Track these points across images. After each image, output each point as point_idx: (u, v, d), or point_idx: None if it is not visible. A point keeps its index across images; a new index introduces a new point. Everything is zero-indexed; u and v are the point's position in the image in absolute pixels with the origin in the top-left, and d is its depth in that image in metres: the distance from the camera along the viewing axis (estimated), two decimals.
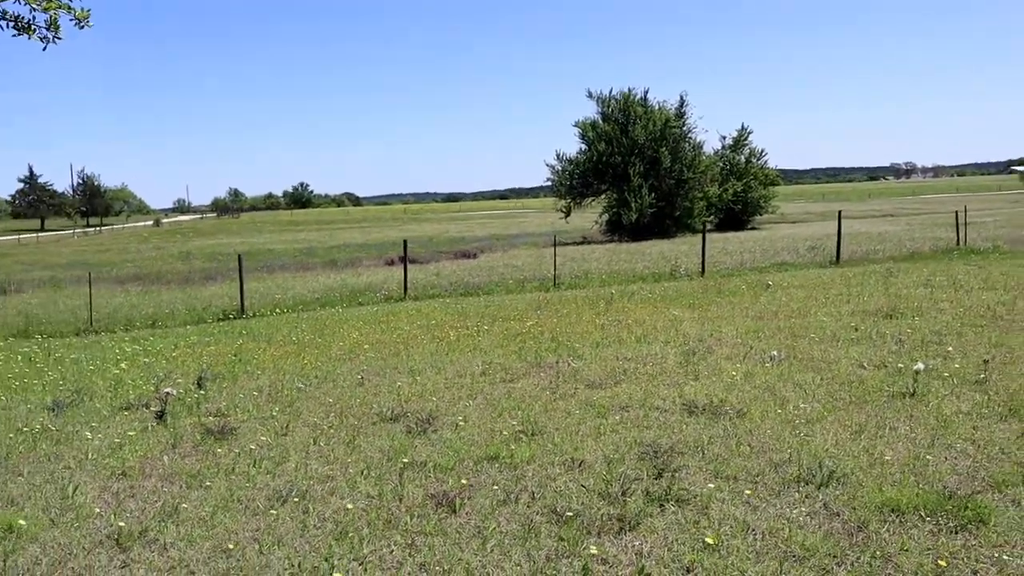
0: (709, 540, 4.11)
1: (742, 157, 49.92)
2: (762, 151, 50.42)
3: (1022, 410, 6.12)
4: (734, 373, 7.90)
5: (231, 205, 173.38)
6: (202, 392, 8.29)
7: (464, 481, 5.23)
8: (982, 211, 51.14)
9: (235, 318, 16.14)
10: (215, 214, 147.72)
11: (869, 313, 11.26)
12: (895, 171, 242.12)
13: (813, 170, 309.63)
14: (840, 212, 21.62)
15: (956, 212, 22.64)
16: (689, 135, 43.66)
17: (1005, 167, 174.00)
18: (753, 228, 45.50)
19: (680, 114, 43.42)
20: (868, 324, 10.33)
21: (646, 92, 43.04)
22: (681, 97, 43.71)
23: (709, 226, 44.24)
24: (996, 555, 3.86)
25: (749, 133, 50.05)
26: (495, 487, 5.11)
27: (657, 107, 42.83)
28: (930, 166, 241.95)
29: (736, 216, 47.00)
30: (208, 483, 5.44)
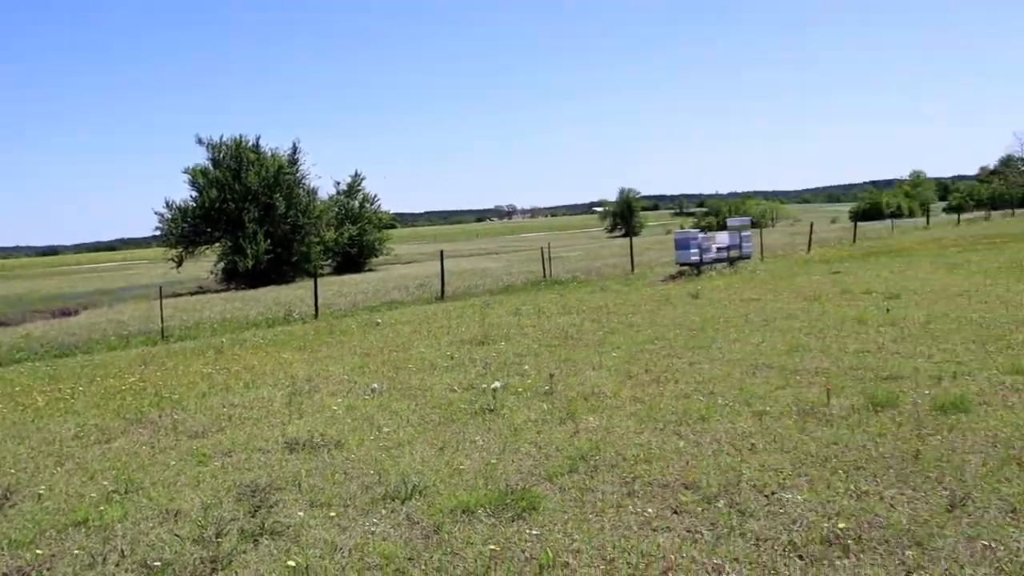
0: (293, 563, 4.32)
1: (356, 202, 51.43)
2: (375, 196, 52.35)
3: (577, 413, 7.17)
4: (336, 408, 8.22)
5: None
6: None
7: (43, 552, 4.89)
8: (569, 246, 57.83)
9: None
10: None
11: (465, 342, 12.29)
12: (499, 212, 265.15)
13: (427, 213, 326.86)
14: (442, 252, 23.26)
15: (541, 248, 25.40)
16: (303, 181, 43.99)
17: (588, 208, 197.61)
18: (370, 270, 46.91)
19: (293, 160, 43.63)
20: (463, 352, 11.28)
21: (258, 139, 42.70)
22: (294, 144, 44.12)
23: (327, 269, 44.94)
24: (539, 533, 4.55)
25: (362, 179, 51.83)
26: (79, 552, 4.85)
27: (270, 154, 42.59)
28: (528, 208, 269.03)
29: (353, 259, 48.18)
30: None
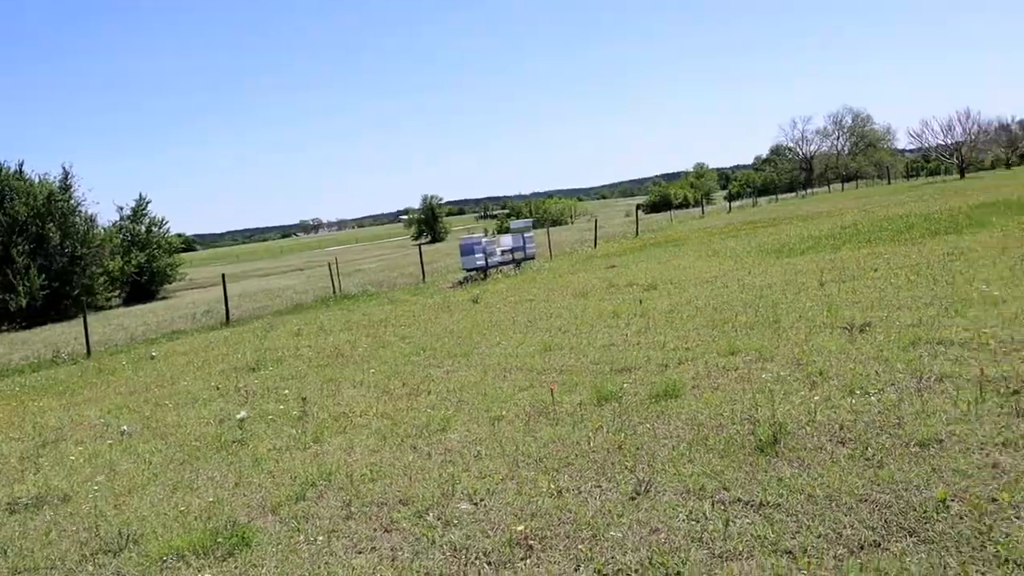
0: None
1: (143, 227, 48.76)
2: (163, 219, 49.84)
3: (323, 436, 7.16)
4: (75, 457, 7.77)
5: None
6: None
7: None
8: (373, 257, 57.47)
9: None
10: None
11: (237, 369, 11.96)
12: (304, 227, 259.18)
13: (231, 232, 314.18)
14: (224, 275, 22.45)
15: (329, 264, 25.07)
16: (79, 208, 41.01)
17: (396, 216, 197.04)
18: (164, 297, 44.57)
19: (66, 187, 40.61)
20: (230, 381, 10.96)
21: (20, 164, 39.35)
22: (64, 169, 41.00)
23: (116, 301, 42.25)
24: (244, 570, 4.52)
25: (147, 203, 49.21)
26: None
27: (38, 180, 39.45)
28: (335, 220, 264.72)
29: (143, 287, 45.61)
30: None
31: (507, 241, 24.41)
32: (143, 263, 45.59)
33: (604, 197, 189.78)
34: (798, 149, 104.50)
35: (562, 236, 42.12)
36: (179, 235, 53.54)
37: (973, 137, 68.31)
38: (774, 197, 70.21)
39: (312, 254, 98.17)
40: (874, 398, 5.84)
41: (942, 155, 72.96)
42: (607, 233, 38.72)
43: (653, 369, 7.90)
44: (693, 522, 4.30)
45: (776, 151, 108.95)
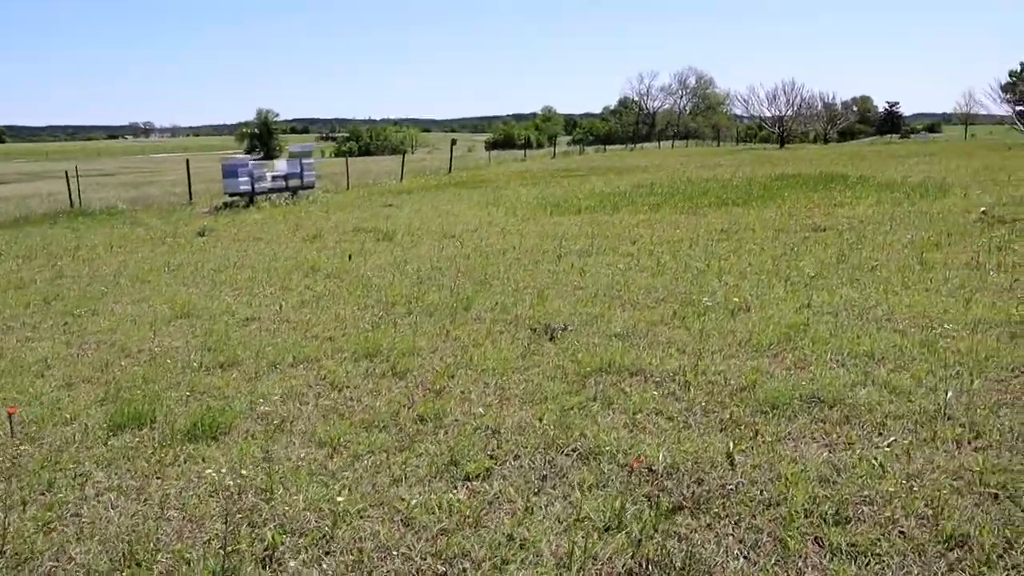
0: None
1: None
2: None
3: None
4: None
5: None
6: None
7: None
8: (180, 171, 52.50)
9: None
10: None
11: None
12: (134, 130, 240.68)
13: (52, 127, 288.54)
14: None
15: (66, 172, 21.39)
16: None
17: (235, 129, 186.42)
18: None
19: None
20: None
21: None
22: None
23: None
24: None
25: None
26: None
27: None
28: (168, 126, 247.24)
29: None
30: None
31: (281, 166, 21.52)
32: None
33: (454, 131, 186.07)
34: (642, 103, 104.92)
35: (378, 166, 39.25)
36: None
37: (795, 109, 69.55)
38: (603, 147, 69.37)
39: (132, 160, 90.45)
40: None
41: (764, 124, 74.30)
42: (423, 167, 36.20)
43: (249, 370, 5.59)
44: None
45: (623, 103, 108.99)
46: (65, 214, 19.86)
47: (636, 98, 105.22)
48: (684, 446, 3.79)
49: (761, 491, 3.35)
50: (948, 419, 4.03)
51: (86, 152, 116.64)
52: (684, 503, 3.22)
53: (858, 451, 3.70)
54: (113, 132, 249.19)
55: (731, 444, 3.76)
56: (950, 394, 4.26)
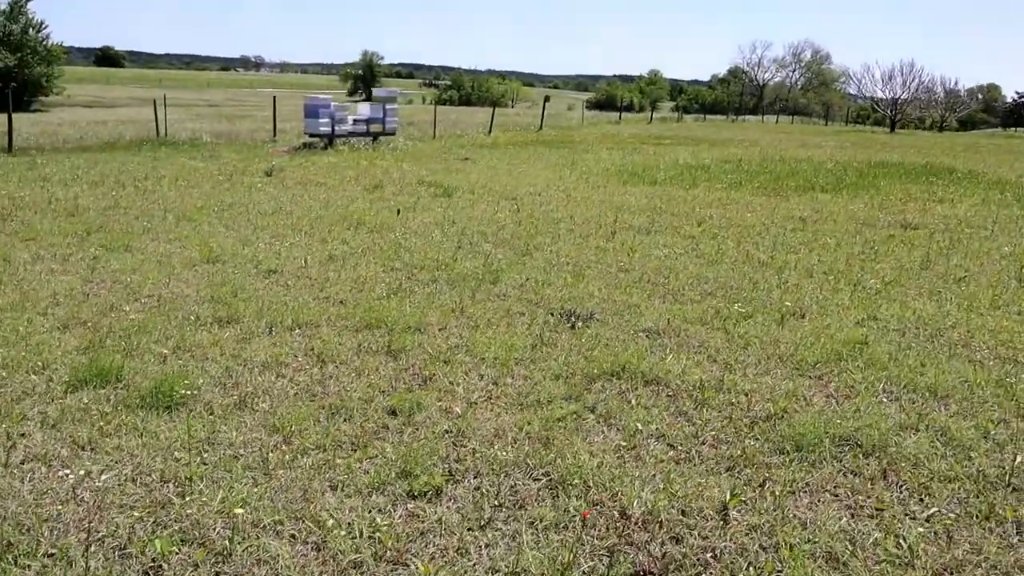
0: None
1: (18, 27, 43.48)
2: (42, 23, 44.61)
3: None
4: None
5: None
6: None
7: None
8: (282, 106, 53.14)
9: None
10: None
11: None
12: (245, 63, 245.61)
13: (168, 56, 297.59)
14: (8, 94, 18.77)
15: (155, 100, 21.57)
16: None
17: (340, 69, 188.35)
18: (38, 110, 39.89)
19: None
20: None
21: None
22: None
23: None
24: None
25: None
26: None
27: None
28: (277, 62, 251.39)
29: (14, 95, 40.77)
30: None
31: (364, 110, 21.17)
32: (12, 67, 40.65)
33: (556, 87, 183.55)
34: (752, 74, 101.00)
35: (471, 117, 38.71)
36: (59, 44, 47.99)
37: (911, 92, 65.39)
38: (703, 117, 66.86)
39: (239, 92, 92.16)
40: None
41: (876, 106, 70.20)
42: (515, 122, 35.53)
43: (244, 329, 5.20)
44: None
45: (732, 73, 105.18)
46: (150, 143, 20.03)
47: (746, 68, 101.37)
48: (674, 487, 3.17)
49: (749, 565, 2.72)
50: (1012, 490, 3.29)
51: (197, 82, 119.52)
52: (648, 568, 2.62)
53: (887, 521, 3.02)
54: (225, 64, 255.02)
55: (729, 493, 3.12)
56: (1020, 459, 3.50)
